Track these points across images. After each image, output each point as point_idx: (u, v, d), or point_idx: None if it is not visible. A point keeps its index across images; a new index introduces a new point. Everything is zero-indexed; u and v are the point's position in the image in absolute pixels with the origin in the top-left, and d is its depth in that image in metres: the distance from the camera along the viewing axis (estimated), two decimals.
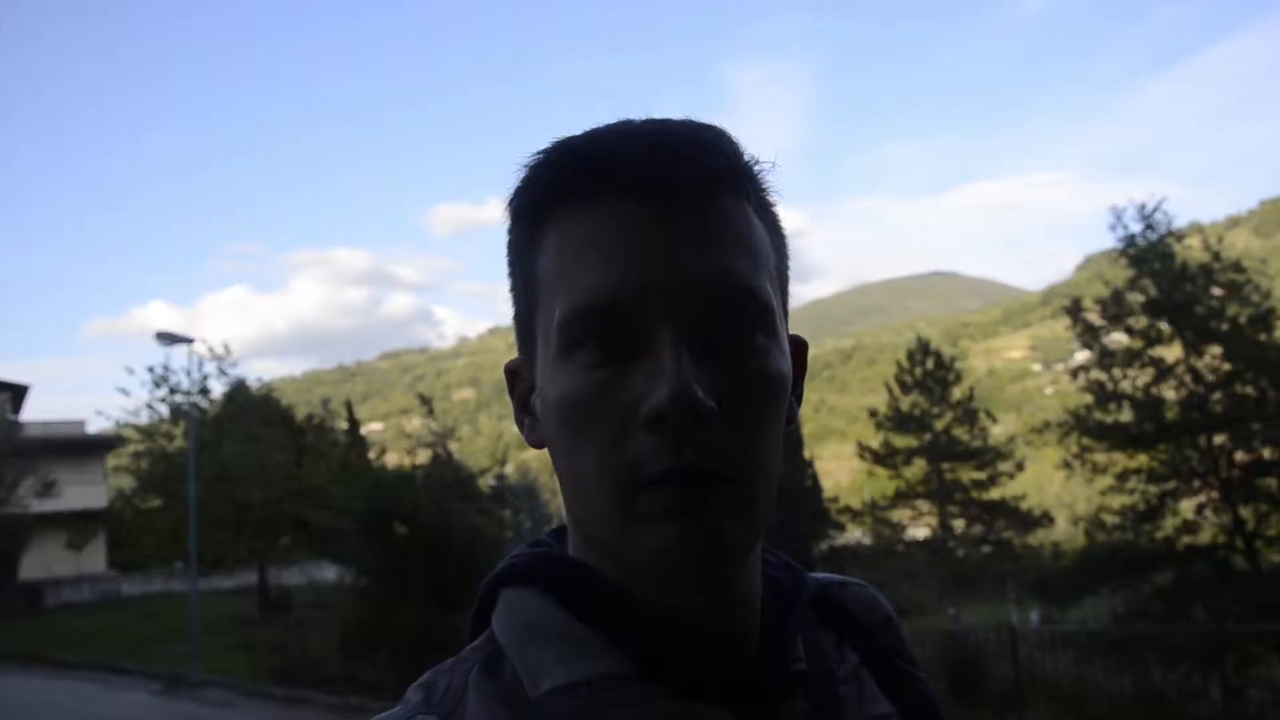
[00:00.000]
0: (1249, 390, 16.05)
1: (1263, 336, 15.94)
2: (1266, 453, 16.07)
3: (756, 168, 0.73)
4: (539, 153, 0.72)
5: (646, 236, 0.67)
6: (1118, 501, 17.28)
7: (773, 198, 0.76)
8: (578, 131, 0.73)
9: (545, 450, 0.74)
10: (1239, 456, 16.22)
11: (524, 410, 0.78)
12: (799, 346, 0.78)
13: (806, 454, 36.72)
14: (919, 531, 34.52)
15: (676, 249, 0.67)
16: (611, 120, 0.73)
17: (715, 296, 0.66)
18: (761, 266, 0.70)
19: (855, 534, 36.31)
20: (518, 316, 0.76)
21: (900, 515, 34.28)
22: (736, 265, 0.68)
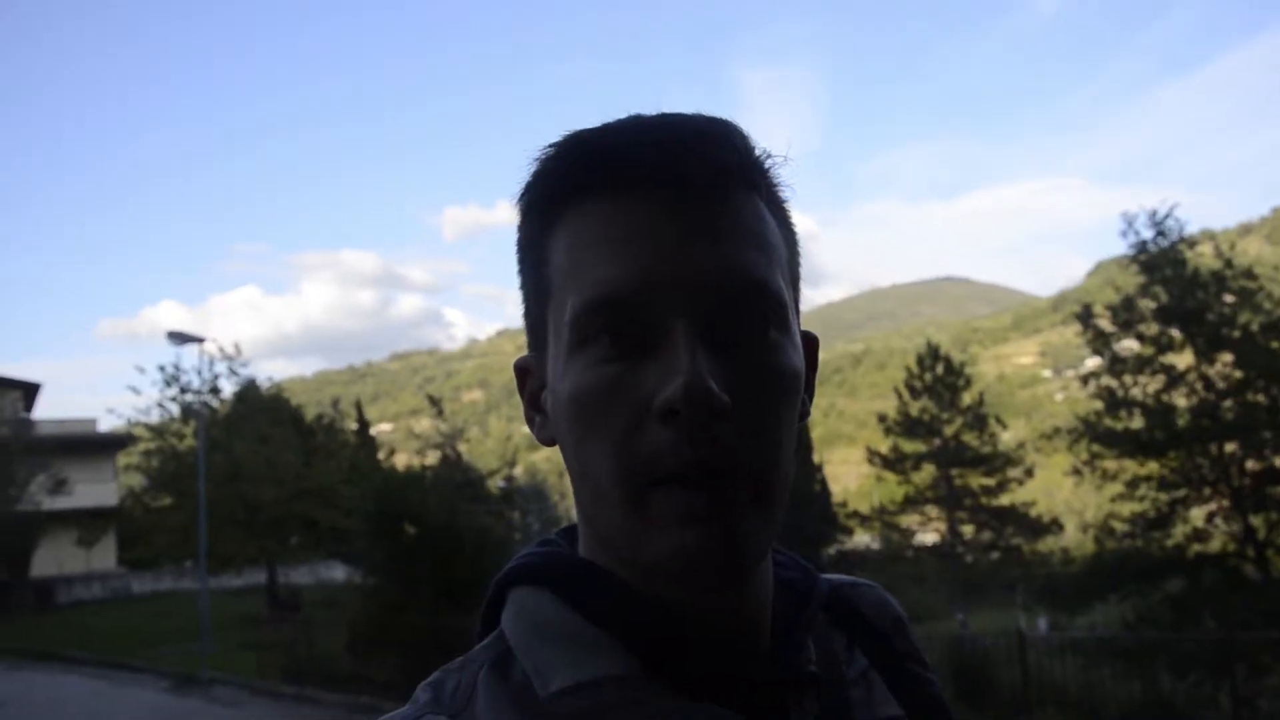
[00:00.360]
0: (1260, 398, 15.99)
1: (1275, 344, 15.86)
2: (1278, 461, 16.02)
3: (768, 162, 0.73)
4: (549, 146, 0.72)
5: (659, 231, 0.66)
6: (1128, 508, 17.22)
7: (784, 192, 0.75)
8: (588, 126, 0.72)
9: (555, 451, 0.74)
10: (1250, 465, 16.16)
11: (534, 408, 0.77)
12: (810, 343, 0.77)
13: (816, 458, 36.64)
14: (928, 537, 34.37)
15: (689, 243, 0.66)
16: (622, 115, 0.72)
17: (728, 291, 0.66)
18: (774, 261, 0.70)
19: (864, 539, 36.23)
20: (528, 312, 0.76)
21: (909, 520, 34.12)
22: (749, 259, 0.67)
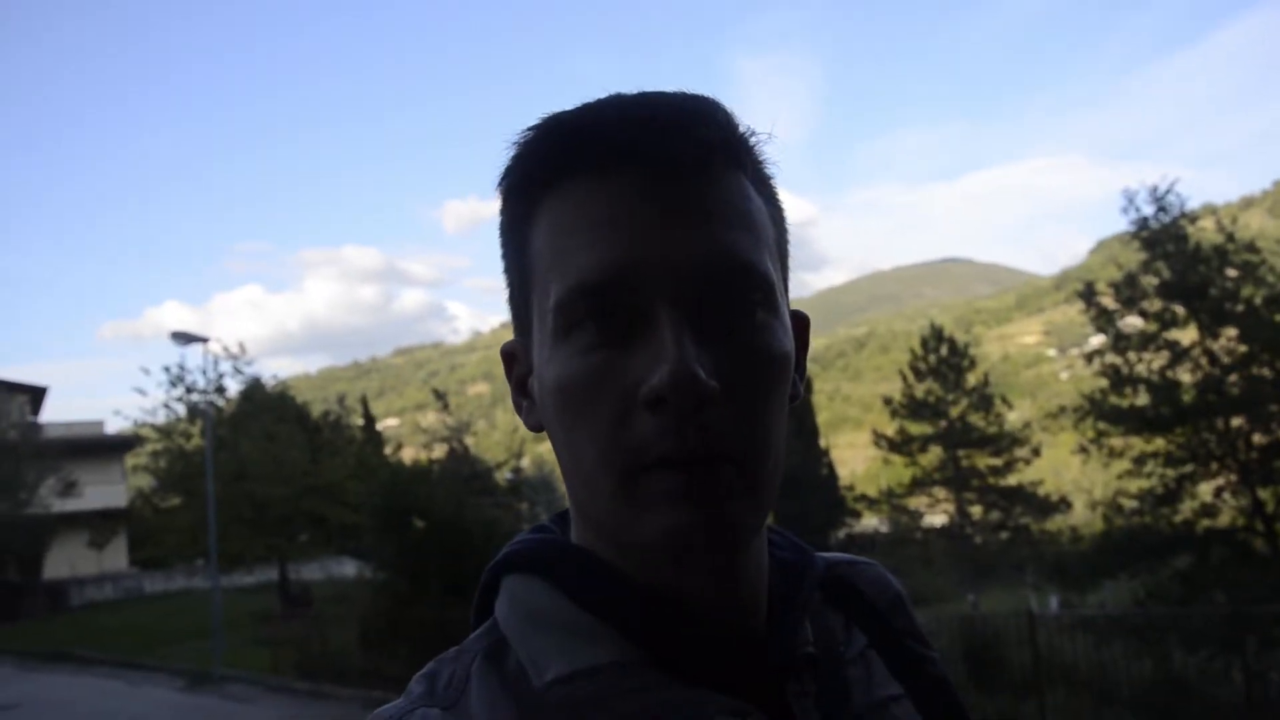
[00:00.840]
0: (1265, 372, 15.95)
1: (1278, 317, 15.82)
2: None
3: (753, 139, 0.72)
4: (529, 129, 0.70)
5: (644, 212, 0.65)
6: (1135, 485, 17.19)
7: (770, 169, 0.74)
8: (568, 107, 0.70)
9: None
10: (1257, 438, 16.12)
11: (521, 393, 0.76)
12: (800, 322, 0.76)
13: (822, 443, 36.63)
14: (936, 519, 34.38)
15: (674, 225, 0.65)
16: (603, 95, 0.70)
17: (716, 273, 0.65)
18: (762, 241, 0.68)
19: (872, 522, 36.25)
20: (512, 297, 0.75)
21: (917, 503, 34.12)
22: (737, 240, 0.66)
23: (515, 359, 0.77)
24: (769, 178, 0.74)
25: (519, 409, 0.77)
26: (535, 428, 0.74)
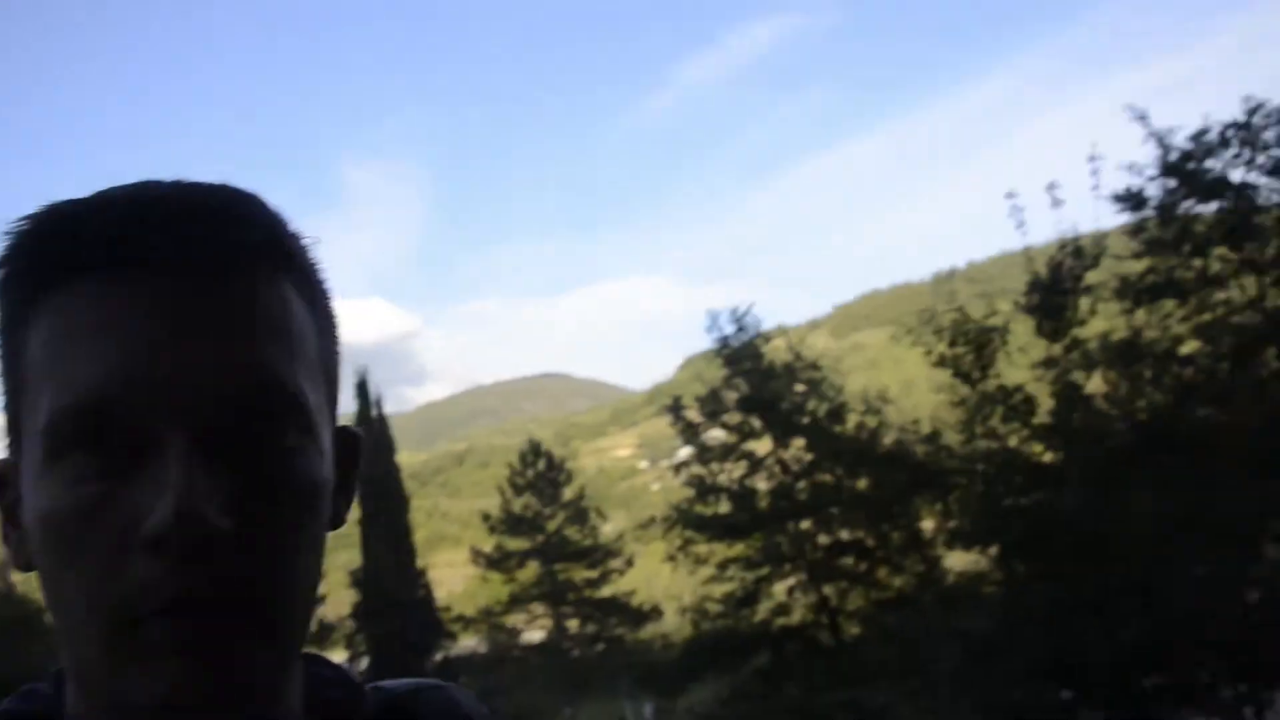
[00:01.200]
0: (828, 478, 17.51)
1: (837, 428, 17.48)
2: (844, 534, 17.56)
3: (299, 241, 0.63)
4: (30, 217, 0.58)
5: (156, 321, 0.55)
6: (719, 590, 18.13)
7: (318, 274, 0.64)
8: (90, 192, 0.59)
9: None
10: (822, 539, 17.59)
11: (12, 524, 0.62)
12: (350, 439, 0.67)
13: (420, 562, 35.68)
14: (535, 634, 34.51)
15: (190, 336, 0.55)
16: (131, 180, 0.60)
17: (237, 393, 0.55)
18: (297, 355, 0.59)
19: (470, 642, 35.62)
20: (5, 410, 0.62)
21: (515, 619, 34.13)
22: (265, 356, 0.57)
23: (5, 483, 0.63)
24: (319, 284, 0.65)
25: (8, 542, 0.64)
26: (25, 567, 0.61)
